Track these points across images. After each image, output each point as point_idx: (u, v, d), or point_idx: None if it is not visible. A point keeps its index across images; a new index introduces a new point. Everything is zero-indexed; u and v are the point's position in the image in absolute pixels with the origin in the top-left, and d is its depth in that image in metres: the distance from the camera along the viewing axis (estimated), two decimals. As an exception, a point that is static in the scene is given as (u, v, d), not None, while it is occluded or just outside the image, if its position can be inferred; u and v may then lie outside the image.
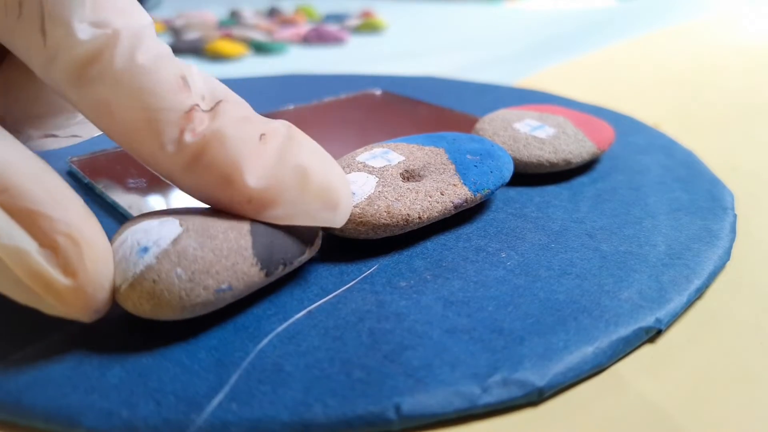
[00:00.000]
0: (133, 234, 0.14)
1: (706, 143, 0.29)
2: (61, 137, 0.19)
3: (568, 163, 0.22)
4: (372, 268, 0.17)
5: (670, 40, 0.56)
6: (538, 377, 0.13)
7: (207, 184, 0.15)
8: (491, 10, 0.82)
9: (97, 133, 0.19)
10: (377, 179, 0.18)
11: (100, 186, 0.22)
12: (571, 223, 0.19)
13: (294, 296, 0.16)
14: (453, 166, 0.19)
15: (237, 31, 0.56)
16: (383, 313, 0.15)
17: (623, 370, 0.14)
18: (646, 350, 0.15)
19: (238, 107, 0.15)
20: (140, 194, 0.21)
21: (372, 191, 0.18)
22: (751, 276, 0.18)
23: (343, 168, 0.19)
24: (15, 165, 0.13)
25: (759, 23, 0.65)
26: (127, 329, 0.15)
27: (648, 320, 0.15)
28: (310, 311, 0.15)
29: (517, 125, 0.23)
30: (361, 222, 0.17)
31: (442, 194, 0.18)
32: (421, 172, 0.19)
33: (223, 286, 0.14)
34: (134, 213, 0.20)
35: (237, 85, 0.38)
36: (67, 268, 0.13)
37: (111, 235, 0.19)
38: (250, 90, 0.37)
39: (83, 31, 0.14)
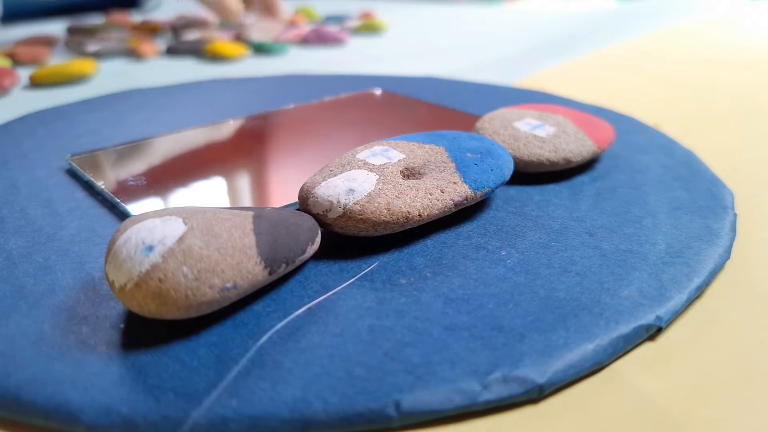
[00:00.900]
0: (137, 232, 0.14)
1: (707, 143, 0.29)
2: None
3: (569, 162, 0.22)
4: (372, 265, 0.17)
5: (670, 41, 0.56)
6: (538, 374, 0.13)
7: None
8: (491, 11, 0.82)
9: None
10: (378, 177, 0.18)
11: (100, 184, 0.22)
12: (571, 221, 0.19)
13: (294, 293, 0.16)
14: (453, 164, 0.19)
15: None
16: (383, 310, 0.15)
17: (623, 368, 0.14)
18: (646, 348, 0.15)
19: None
20: (140, 192, 0.21)
21: (372, 188, 0.18)
22: (751, 274, 0.18)
23: (343, 165, 0.19)
24: None
25: (759, 23, 0.65)
26: (127, 327, 0.15)
27: (648, 318, 0.15)
28: (310, 308, 0.15)
29: (518, 124, 0.23)
30: (362, 219, 0.17)
31: (443, 192, 0.18)
32: (422, 170, 0.19)
33: (229, 285, 0.14)
34: (134, 211, 0.20)
35: (237, 85, 0.38)
36: None
37: (111, 234, 0.19)
38: (250, 90, 0.37)
39: None
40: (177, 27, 0.60)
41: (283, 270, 0.16)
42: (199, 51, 0.52)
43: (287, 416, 0.12)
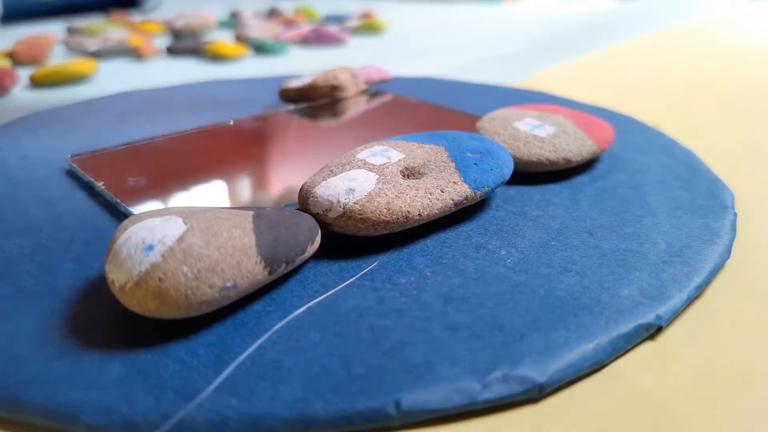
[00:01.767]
0: (137, 232, 0.14)
1: (706, 144, 0.29)
2: None
3: (569, 161, 0.22)
4: (372, 264, 0.17)
5: (671, 41, 0.56)
6: (538, 373, 0.13)
7: None
8: (491, 11, 0.82)
9: None
10: (377, 176, 0.18)
11: (100, 184, 0.22)
12: (571, 221, 0.19)
13: (294, 293, 0.16)
14: (453, 164, 0.19)
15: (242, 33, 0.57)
16: (383, 309, 0.15)
17: (623, 367, 0.14)
18: (647, 347, 0.15)
19: None
20: (140, 192, 0.21)
21: (372, 188, 0.18)
22: (751, 274, 0.18)
23: (343, 165, 0.19)
24: None
25: (759, 24, 0.65)
26: (127, 326, 0.15)
27: (648, 317, 0.15)
28: (309, 308, 0.15)
29: (518, 124, 0.23)
30: (362, 219, 0.17)
31: (443, 191, 0.18)
32: (422, 170, 0.19)
33: (228, 284, 0.14)
34: (134, 211, 0.20)
35: (237, 85, 0.38)
36: None
37: (111, 234, 0.19)
38: (251, 90, 0.37)
39: None
40: (177, 27, 0.60)
41: (283, 269, 0.16)
42: (199, 51, 0.52)
43: (287, 415, 0.12)
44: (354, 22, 0.66)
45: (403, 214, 0.17)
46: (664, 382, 0.14)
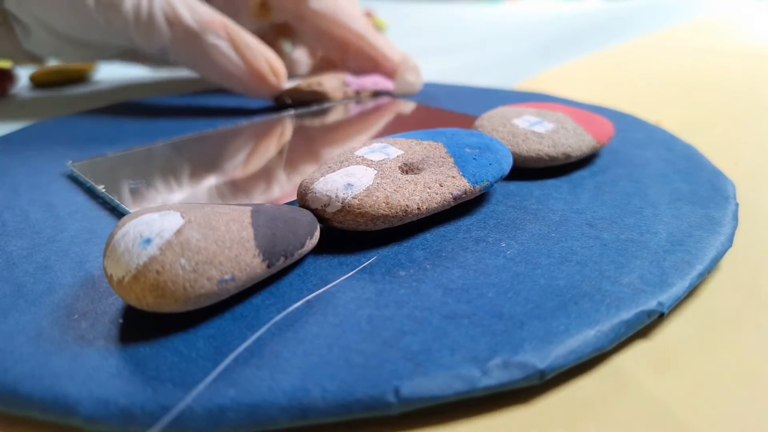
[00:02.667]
0: (134, 226, 0.14)
1: (708, 140, 0.28)
2: None
3: (568, 156, 0.22)
4: (371, 258, 0.17)
5: (671, 41, 0.56)
6: (538, 359, 0.13)
7: None
8: (492, 11, 0.82)
9: None
10: (376, 172, 0.18)
11: (101, 188, 0.22)
12: (571, 213, 0.19)
13: (293, 286, 0.16)
14: (452, 159, 0.19)
15: None
16: (382, 300, 0.15)
17: (623, 364, 0.14)
18: (647, 342, 0.15)
19: None
20: (141, 196, 0.21)
21: (370, 183, 0.18)
22: (754, 264, 0.18)
23: (342, 162, 0.19)
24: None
25: (759, 22, 0.65)
26: (126, 321, 0.15)
27: (650, 303, 0.15)
28: (308, 300, 0.15)
29: (516, 121, 0.23)
30: (360, 213, 0.17)
31: (441, 186, 0.18)
32: (420, 165, 0.19)
33: (227, 277, 0.14)
34: (134, 212, 0.20)
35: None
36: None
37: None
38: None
39: None
40: None
41: (281, 263, 0.15)
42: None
43: (286, 404, 0.12)
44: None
45: (402, 209, 0.17)
46: (663, 378, 0.14)
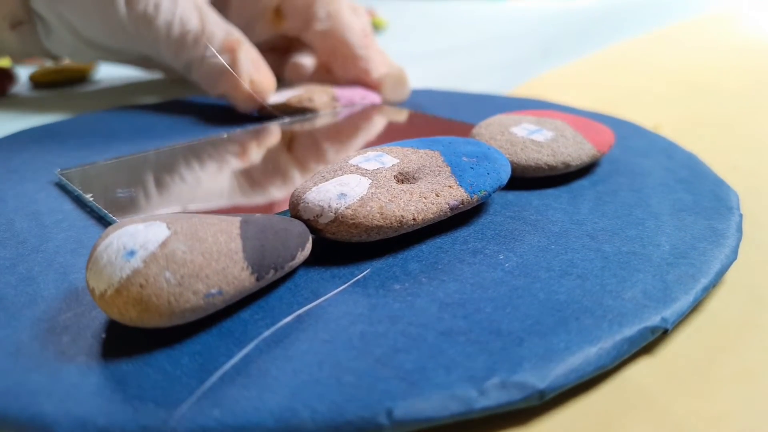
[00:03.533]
0: (118, 238, 0.14)
1: (707, 144, 0.28)
2: None
3: (568, 166, 0.22)
4: (365, 271, 0.16)
5: (670, 39, 0.55)
6: (538, 379, 0.12)
7: None
8: (494, 9, 0.82)
9: None
10: (370, 181, 0.18)
11: (89, 197, 0.21)
12: (571, 224, 0.19)
13: (283, 300, 0.15)
14: (448, 168, 0.19)
15: None
16: (375, 316, 0.14)
17: (625, 369, 0.13)
18: (650, 349, 0.14)
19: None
20: (129, 205, 0.21)
21: (365, 193, 0.17)
22: (758, 275, 0.17)
23: (335, 171, 0.18)
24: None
25: (757, 22, 0.65)
26: (108, 335, 0.14)
27: (653, 320, 0.14)
28: (299, 315, 0.15)
29: (515, 129, 0.23)
30: (354, 224, 0.16)
31: (438, 196, 0.18)
32: (416, 175, 0.19)
33: (213, 291, 0.13)
34: (122, 221, 0.19)
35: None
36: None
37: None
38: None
39: None
40: None
41: (271, 276, 0.15)
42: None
43: (273, 426, 0.11)
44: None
45: (397, 219, 0.17)
46: (667, 385, 0.13)
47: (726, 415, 0.12)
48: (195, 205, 0.21)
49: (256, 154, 0.26)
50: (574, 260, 0.17)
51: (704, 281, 0.16)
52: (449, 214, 0.18)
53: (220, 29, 0.31)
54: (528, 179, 0.22)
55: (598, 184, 0.22)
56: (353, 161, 0.19)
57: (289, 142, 0.28)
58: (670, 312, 0.15)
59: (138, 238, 0.14)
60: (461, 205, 0.18)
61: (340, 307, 0.15)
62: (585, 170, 0.23)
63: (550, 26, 0.66)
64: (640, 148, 0.26)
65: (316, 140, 0.28)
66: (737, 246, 0.18)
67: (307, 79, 0.38)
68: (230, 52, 0.30)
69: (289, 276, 0.16)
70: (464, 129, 0.28)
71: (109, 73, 0.47)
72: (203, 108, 0.35)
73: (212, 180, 0.23)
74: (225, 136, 0.28)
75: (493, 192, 0.19)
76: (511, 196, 0.21)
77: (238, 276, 0.14)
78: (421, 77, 0.44)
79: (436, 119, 0.30)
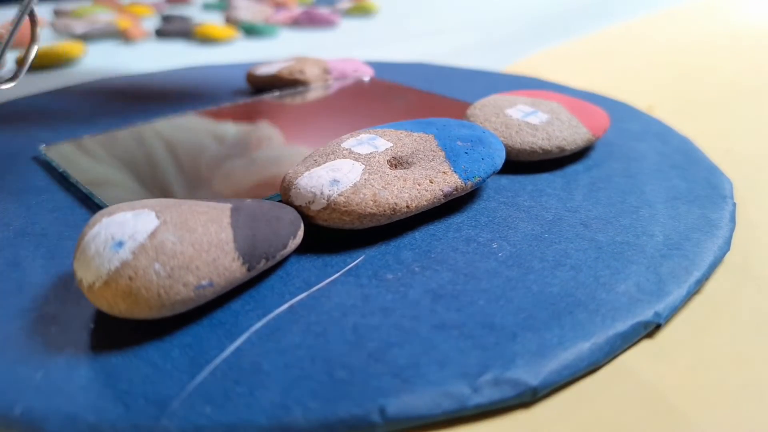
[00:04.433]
0: (106, 227, 0.13)
1: (701, 127, 0.28)
2: None
3: (562, 150, 0.21)
4: (357, 259, 0.16)
5: (664, 23, 0.55)
6: (531, 376, 0.12)
7: None
8: None
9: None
10: (363, 167, 0.17)
11: (75, 175, 0.21)
12: (565, 212, 0.19)
13: (275, 290, 0.15)
14: (443, 153, 0.18)
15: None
16: (368, 307, 0.14)
17: (622, 361, 0.14)
18: (646, 341, 0.14)
19: None
20: (116, 184, 0.20)
21: (357, 179, 0.17)
22: (751, 265, 0.17)
23: (328, 155, 0.18)
24: None
25: (752, 5, 0.64)
26: (97, 327, 0.14)
27: (646, 314, 0.14)
28: (291, 306, 0.14)
29: (510, 111, 0.23)
30: (346, 211, 0.16)
31: (431, 182, 0.17)
32: (410, 159, 0.18)
33: (204, 283, 0.13)
34: (110, 203, 0.19)
35: (226, 70, 0.37)
36: None
37: (84, 228, 0.18)
38: (239, 75, 0.36)
39: None
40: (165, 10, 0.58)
41: (263, 266, 0.15)
42: (188, 33, 0.50)
43: (265, 423, 0.11)
44: (345, 4, 0.65)
45: (390, 206, 0.16)
46: (664, 377, 0.13)
47: (720, 398, 0.12)
48: (183, 183, 0.20)
49: (246, 129, 0.26)
50: (568, 250, 0.17)
51: (697, 274, 0.16)
52: (443, 201, 0.18)
53: None
54: (522, 163, 0.22)
55: (592, 169, 0.22)
56: (346, 144, 0.19)
57: (280, 117, 0.27)
58: (663, 306, 0.15)
59: (126, 228, 0.13)
60: (455, 192, 0.18)
61: (333, 298, 0.15)
62: (579, 154, 0.23)
63: (542, 6, 0.65)
64: (635, 131, 0.25)
65: (309, 116, 0.27)
66: (730, 237, 0.18)
67: None
68: None
69: (281, 264, 0.16)
70: (459, 107, 0.28)
71: (97, 56, 0.45)
72: (194, 81, 0.34)
73: (201, 156, 0.22)
74: (215, 109, 0.28)
75: (488, 177, 0.19)
76: (505, 180, 0.21)
77: (229, 267, 0.14)
78: (414, 55, 0.43)
79: (430, 96, 0.30)
